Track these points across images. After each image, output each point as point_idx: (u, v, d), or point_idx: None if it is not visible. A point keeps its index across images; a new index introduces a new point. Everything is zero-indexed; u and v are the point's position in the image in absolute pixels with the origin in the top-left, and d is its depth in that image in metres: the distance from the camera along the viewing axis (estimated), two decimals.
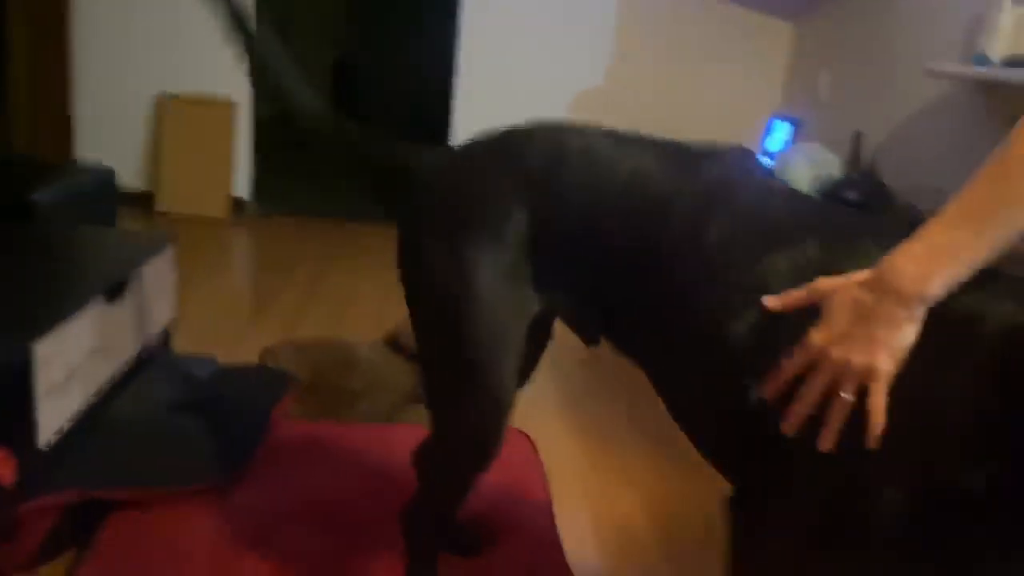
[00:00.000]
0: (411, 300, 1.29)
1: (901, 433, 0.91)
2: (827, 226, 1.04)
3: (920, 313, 0.92)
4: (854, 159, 3.30)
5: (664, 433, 1.24)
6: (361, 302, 3.25)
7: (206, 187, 4.28)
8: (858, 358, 0.93)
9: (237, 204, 4.37)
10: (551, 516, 1.92)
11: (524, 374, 1.45)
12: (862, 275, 0.95)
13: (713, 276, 1.05)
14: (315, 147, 1.37)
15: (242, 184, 4.39)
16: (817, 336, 0.96)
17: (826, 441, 0.94)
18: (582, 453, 2.29)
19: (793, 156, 3.45)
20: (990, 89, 2.99)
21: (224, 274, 3.64)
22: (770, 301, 1.00)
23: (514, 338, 1.23)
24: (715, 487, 1.16)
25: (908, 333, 0.92)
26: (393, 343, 2.41)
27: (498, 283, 1.18)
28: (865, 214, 1.11)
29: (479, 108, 4.27)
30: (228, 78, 4.17)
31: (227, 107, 4.22)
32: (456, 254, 1.19)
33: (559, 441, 2.32)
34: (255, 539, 1.70)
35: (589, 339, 1.28)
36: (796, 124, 3.87)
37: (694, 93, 4.36)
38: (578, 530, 1.94)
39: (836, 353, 0.94)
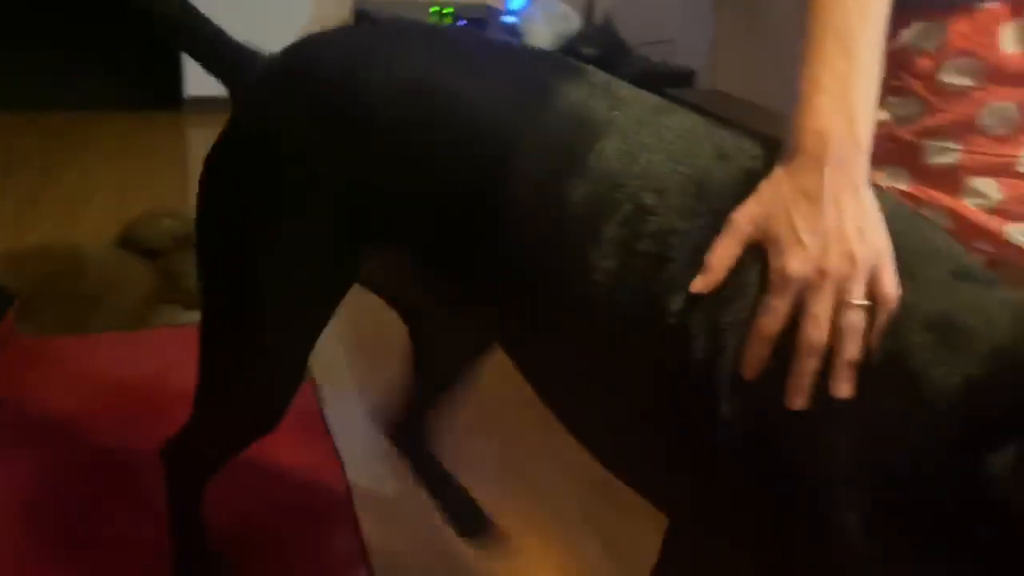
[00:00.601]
0: (200, 239, 1.09)
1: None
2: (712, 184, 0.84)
3: (866, 171, 0.78)
4: (589, 15, 3.36)
5: None
6: (94, 201, 3.00)
7: None
8: (854, 247, 0.75)
9: None
10: (318, 411, 1.91)
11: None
12: (776, 173, 0.79)
13: (580, 251, 0.86)
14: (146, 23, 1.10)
15: None
16: (793, 261, 0.75)
17: (844, 387, 0.74)
18: (346, 335, 2.28)
19: (533, 13, 3.46)
20: None
21: None
22: (698, 284, 0.79)
23: (317, 309, 1.06)
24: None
25: (869, 208, 0.77)
26: (127, 241, 2.25)
27: (300, 249, 1.00)
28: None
29: None
30: None
31: None
32: (255, 207, 1.01)
33: None
34: None
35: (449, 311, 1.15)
36: None
37: None
38: (345, 406, 1.95)
39: (831, 261, 0.75)
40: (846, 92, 0.78)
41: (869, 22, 0.80)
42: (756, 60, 2.98)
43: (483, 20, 3.87)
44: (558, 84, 0.92)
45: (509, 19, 3.81)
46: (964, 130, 1.02)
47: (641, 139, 0.87)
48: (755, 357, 0.77)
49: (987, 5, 0.99)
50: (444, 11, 4.00)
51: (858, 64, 0.80)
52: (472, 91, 0.92)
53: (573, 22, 3.28)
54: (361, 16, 4.03)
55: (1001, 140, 1.01)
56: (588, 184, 0.86)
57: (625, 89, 0.94)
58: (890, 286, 0.74)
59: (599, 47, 3.18)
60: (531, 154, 0.89)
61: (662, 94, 0.96)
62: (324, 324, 1.07)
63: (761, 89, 2.87)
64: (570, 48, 3.20)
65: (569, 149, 0.88)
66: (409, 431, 1.46)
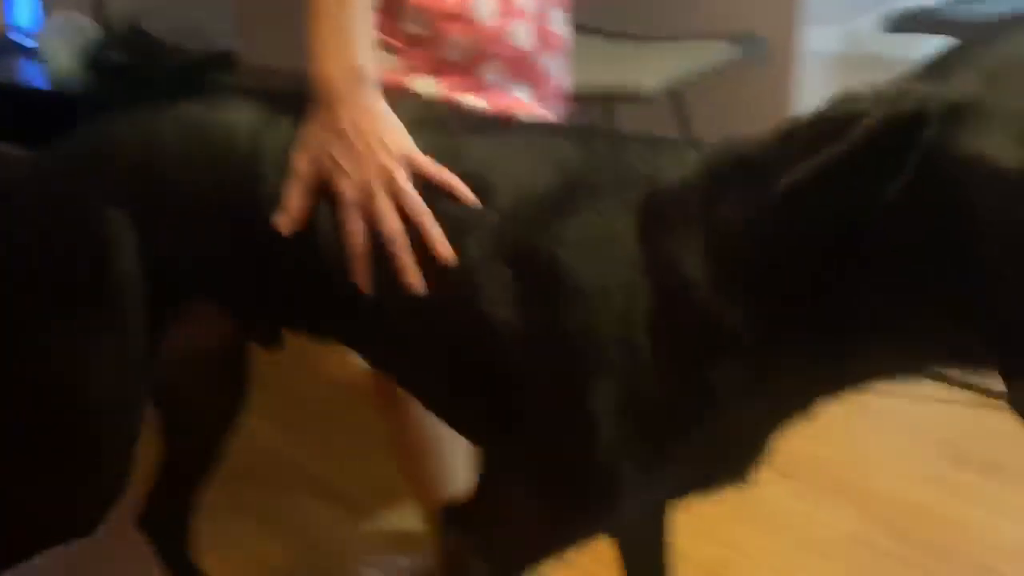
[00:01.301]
0: None
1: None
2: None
3: (374, 95, 0.96)
4: (106, 22, 3.21)
5: None
6: None
7: None
8: (382, 155, 0.93)
9: None
10: None
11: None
12: (307, 121, 0.97)
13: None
14: None
15: None
16: (344, 186, 0.93)
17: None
18: None
19: (47, 31, 3.25)
20: None
21: None
22: (279, 224, 0.95)
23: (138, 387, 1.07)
24: None
25: (385, 122, 0.96)
26: None
27: (112, 326, 1.01)
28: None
29: None
30: None
31: None
32: (49, 291, 1.02)
33: None
34: None
35: (266, 342, 1.17)
36: None
37: None
38: None
39: (370, 172, 0.93)
40: (341, 36, 0.95)
41: None
42: (284, 28, 3.06)
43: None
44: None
45: (24, 41, 3.53)
46: (437, 65, 1.18)
47: None
48: (362, 274, 0.93)
49: None
50: None
51: (349, 8, 0.96)
52: (231, 120, 1.02)
53: (91, 32, 3.12)
54: None
55: (464, 67, 1.18)
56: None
57: None
58: (430, 166, 0.93)
59: (128, 51, 3.06)
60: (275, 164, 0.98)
61: (209, 80, 1.09)
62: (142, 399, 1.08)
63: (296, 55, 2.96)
64: (98, 59, 3.05)
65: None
66: (162, 519, 1.43)
